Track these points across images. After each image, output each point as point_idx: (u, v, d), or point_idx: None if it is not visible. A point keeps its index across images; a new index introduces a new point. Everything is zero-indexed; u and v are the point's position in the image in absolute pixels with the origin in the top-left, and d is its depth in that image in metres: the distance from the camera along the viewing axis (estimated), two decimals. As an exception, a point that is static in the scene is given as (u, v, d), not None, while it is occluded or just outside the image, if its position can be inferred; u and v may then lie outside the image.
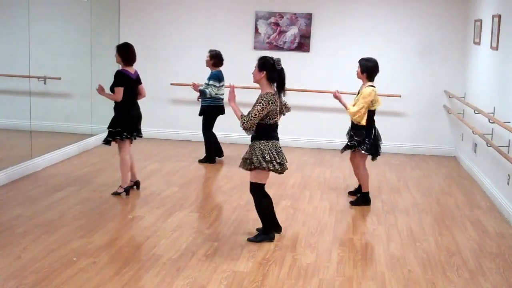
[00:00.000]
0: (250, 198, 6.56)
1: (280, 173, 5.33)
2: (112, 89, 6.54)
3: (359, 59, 6.56)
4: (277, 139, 5.30)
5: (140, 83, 6.79)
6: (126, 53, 6.68)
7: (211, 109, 8.26)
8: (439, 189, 7.47)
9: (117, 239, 5.26)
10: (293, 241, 5.44)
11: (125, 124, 6.54)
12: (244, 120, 5.13)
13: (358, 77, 6.56)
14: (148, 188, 6.96)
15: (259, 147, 5.18)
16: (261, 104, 5.11)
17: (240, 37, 9.46)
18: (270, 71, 5.21)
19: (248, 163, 5.25)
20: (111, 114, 9.71)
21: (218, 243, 5.28)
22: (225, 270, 4.71)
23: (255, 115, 5.10)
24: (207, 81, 8.17)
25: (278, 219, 5.65)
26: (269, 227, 5.43)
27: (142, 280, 4.47)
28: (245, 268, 4.76)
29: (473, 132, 7.70)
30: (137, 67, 9.64)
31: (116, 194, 6.57)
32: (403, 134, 9.46)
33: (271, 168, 5.19)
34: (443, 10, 9.16)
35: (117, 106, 6.56)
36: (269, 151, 5.18)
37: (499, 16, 7.12)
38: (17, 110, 7.77)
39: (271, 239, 5.38)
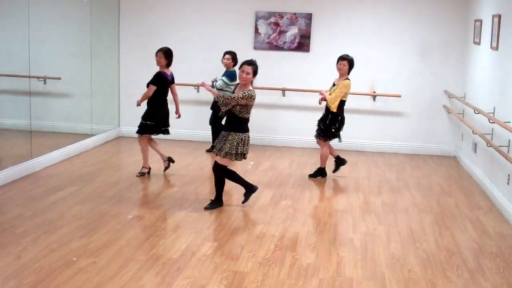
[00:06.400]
0: (249, 198, 6.57)
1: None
2: (148, 85, 7.32)
3: (344, 56, 7.39)
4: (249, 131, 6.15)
5: (173, 82, 7.51)
6: (171, 57, 7.33)
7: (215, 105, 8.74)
8: (439, 189, 7.47)
9: (117, 239, 5.26)
10: (293, 241, 5.44)
11: (155, 119, 7.29)
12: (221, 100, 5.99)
13: (343, 73, 7.36)
14: (148, 188, 6.96)
15: (235, 139, 5.97)
16: (245, 94, 5.91)
17: (240, 37, 9.45)
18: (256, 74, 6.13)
19: (234, 156, 6.03)
20: (110, 114, 9.80)
21: (218, 243, 5.28)
22: (225, 270, 4.71)
23: (233, 97, 5.91)
24: (223, 78, 8.49)
25: (278, 219, 5.99)
26: (221, 195, 6.33)
27: (142, 280, 4.47)
28: (245, 268, 4.76)
29: (473, 132, 7.70)
30: (137, 66, 9.69)
31: (141, 174, 7.41)
32: (403, 134, 9.46)
33: (238, 159, 6.06)
34: (443, 10, 9.16)
35: (150, 103, 7.33)
36: (242, 143, 6.00)
37: (499, 16, 7.12)
38: (17, 110, 7.77)
39: (221, 205, 6.29)
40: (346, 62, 7.32)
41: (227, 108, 5.96)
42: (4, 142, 7.77)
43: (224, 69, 8.66)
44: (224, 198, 6.53)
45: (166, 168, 7.57)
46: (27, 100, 7.61)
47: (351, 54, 7.51)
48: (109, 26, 9.56)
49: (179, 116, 7.60)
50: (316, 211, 6.38)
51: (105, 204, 6.25)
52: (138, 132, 7.41)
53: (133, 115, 9.79)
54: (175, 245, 5.19)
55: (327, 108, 7.40)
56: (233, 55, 8.58)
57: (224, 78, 8.38)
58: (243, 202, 6.36)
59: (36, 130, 7.80)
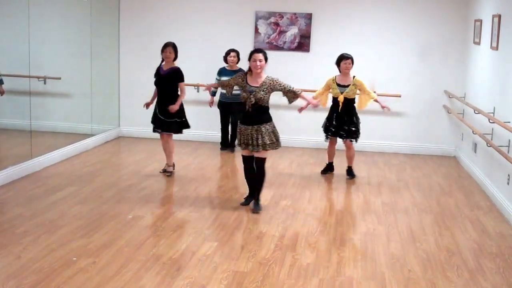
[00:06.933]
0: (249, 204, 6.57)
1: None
2: (172, 85, 7.23)
3: (348, 55, 7.38)
4: None
5: None
6: (177, 51, 7.37)
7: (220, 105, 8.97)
8: (439, 189, 7.47)
9: (117, 239, 5.26)
10: (293, 241, 5.44)
11: (185, 114, 7.47)
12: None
13: (348, 72, 7.38)
14: (148, 188, 6.96)
15: (269, 129, 6.06)
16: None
17: (240, 37, 9.45)
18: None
19: (277, 144, 6.14)
20: (110, 114, 9.80)
21: (218, 243, 5.28)
22: (225, 270, 4.71)
23: (296, 90, 6.20)
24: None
25: (278, 219, 6.02)
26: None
27: (142, 280, 4.47)
28: (245, 268, 4.76)
29: (473, 132, 7.70)
30: (137, 66, 9.70)
31: (166, 171, 7.47)
32: (403, 134, 9.46)
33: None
34: (443, 10, 9.16)
35: (178, 99, 7.28)
36: (274, 132, 6.15)
37: (499, 16, 7.12)
38: (17, 110, 7.77)
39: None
40: (351, 61, 7.36)
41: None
42: (4, 142, 7.77)
43: (220, 66, 8.73)
44: (225, 196, 6.55)
45: (164, 171, 7.54)
46: (27, 100, 7.61)
47: (351, 54, 7.52)
48: (109, 26, 9.56)
49: (147, 107, 7.48)
50: (316, 211, 6.38)
51: (105, 204, 6.25)
52: (179, 132, 7.39)
53: (133, 115, 9.82)
54: (175, 245, 5.19)
55: (351, 110, 7.41)
56: (238, 53, 8.71)
57: None
58: (242, 204, 6.37)
59: (36, 130, 7.80)
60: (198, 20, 9.56)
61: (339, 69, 7.43)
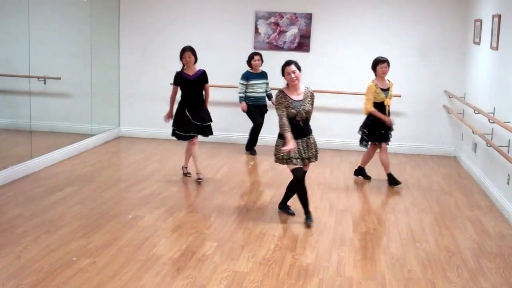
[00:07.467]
0: (250, 198, 6.57)
1: None
2: (201, 87, 7.19)
3: (384, 59, 7.22)
4: None
5: None
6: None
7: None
8: (439, 189, 7.47)
9: (117, 239, 5.26)
10: (293, 241, 5.44)
11: None
12: None
13: (385, 75, 7.25)
14: (148, 188, 6.96)
15: (315, 140, 6.07)
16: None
17: (240, 37, 9.45)
18: None
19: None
20: (110, 114, 9.81)
21: (218, 243, 5.28)
22: (225, 270, 4.71)
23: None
24: (267, 83, 8.90)
25: (278, 219, 6.06)
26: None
27: (142, 280, 4.48)
28: (245, 268, 4.76)
29: (473, 132, 7.70)
30: (138, 67, 9.70)
31: (200, 179, 7.29)
32: (403, 134, 9.44)
33: None
34: (443, 10, 9.16)
35: (204, 102, 7.27)
36: None
37: (499, 16, 7.12)
38: (17, 110, 7.77)
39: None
40: (387, 64, 7.18)
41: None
42: (4, 142, 7.78)
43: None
44: (225, 197, 6.52)
45: (188, 174, 7.51)
46: (27, 100, 7.61)
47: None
48: (109, 26, 9.56)
49: (169, 119, 7.35)
50: (316, 211, 6.37)
51: (105, 204, 6.25)
52: (211, 133, 7.34)
53: (133, 115, 9.83)
54: (175, 245, 5.19)
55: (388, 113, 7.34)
56: (261, 56, 8.77)
57: (266, 85, 8.79)
58: (309, 222, 5.93)
59: (36, 130, 7.80)
60: (198, 20, 9.56)
61: (375, 73, 7.25)
